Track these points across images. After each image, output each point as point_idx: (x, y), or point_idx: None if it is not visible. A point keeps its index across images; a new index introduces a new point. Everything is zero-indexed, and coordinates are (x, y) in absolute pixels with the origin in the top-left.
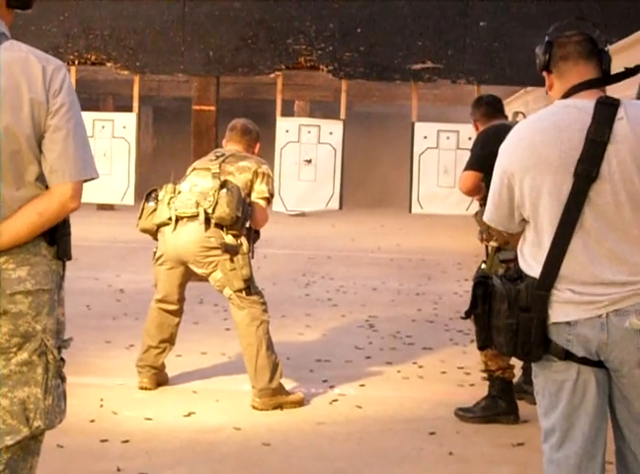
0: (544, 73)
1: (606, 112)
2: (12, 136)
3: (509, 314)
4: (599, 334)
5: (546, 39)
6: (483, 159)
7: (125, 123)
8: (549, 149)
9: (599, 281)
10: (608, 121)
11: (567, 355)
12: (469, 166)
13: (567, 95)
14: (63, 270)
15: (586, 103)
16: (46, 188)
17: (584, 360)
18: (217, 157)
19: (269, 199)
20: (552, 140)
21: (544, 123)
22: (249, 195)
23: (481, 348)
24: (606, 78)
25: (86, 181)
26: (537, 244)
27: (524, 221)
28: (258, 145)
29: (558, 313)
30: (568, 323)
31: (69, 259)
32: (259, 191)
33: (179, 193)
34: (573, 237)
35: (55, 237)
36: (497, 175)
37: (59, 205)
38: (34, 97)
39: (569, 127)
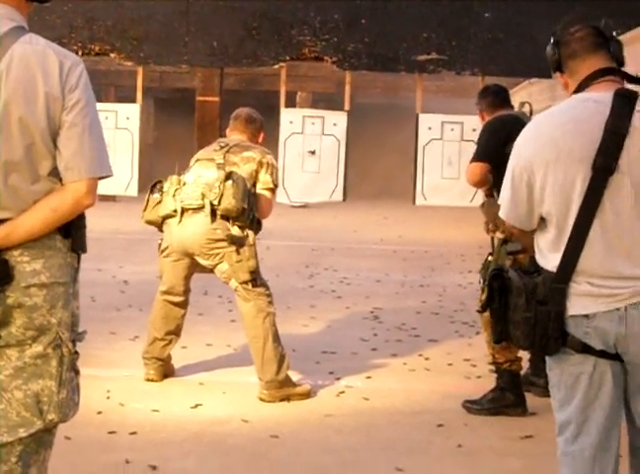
0: (558, 74)
1: (625, 103)
2: (25, 128)
3: (526, 308)
4: (617, 327)
5: (551, 40)
6: (490, 150)
7: (129, 114)
8: (570, 143)
9: (616, 275)
10: (627, 113)
11: (584, 348)
12: (476, 157)
13: (579, 89)
14: (78, 263)
15: (603, 95)
16: (60, 182)
17: (601, 353)
18: (221, 147)
19: (273, 190)
20: (572, 134)
21: (564, 118)
22: (254, 185)
23: (497, 341)
24: (614, 69)
25: (101, 178)
26: (555, 238)
27: (543, 218)
28: (262, 135)
29: (576, 306)
30: (586, 316)
31: (84, 252)
32: (264, 181)
33: (184, 184)
34: (591, 230)
35: (70, 230)
36: (515, 171)
37: (74, 202)
38: (49, 91)
39: (588, 120)
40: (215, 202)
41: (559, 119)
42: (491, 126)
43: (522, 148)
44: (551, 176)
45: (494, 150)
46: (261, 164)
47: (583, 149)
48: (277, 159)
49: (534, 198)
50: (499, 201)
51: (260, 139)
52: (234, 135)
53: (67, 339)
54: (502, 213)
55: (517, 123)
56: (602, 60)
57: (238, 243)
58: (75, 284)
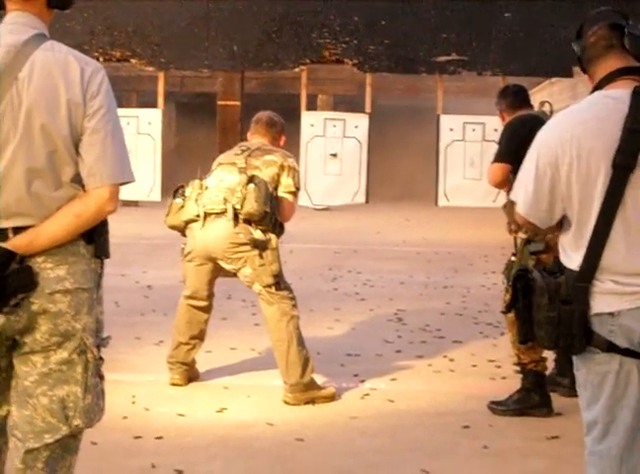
0: (587, 75)
1: None
2: (48, 136)
3: (549, 307)
4: None
5: (575, 45)
6: (511, 151)
7: (151, 120)
8: (591, 141)
9: (638, 272)
10: None
11: (609, 347)
12: (497, 158)
13: (597, 87)
14: (101, 268)
15: (621, 92)
16: (83, 188)
17: (626, 352)
18: (243, 151)
19: (295, 193)
20: (594, 131)
21: (585, 115)
22: (276, 189)
23: (523, 342)
24: (630, 67)
25: (123, 184)
26: (578, 236)
27: (563, 215)
28: (283, 138)
29: (600, 304)
30: (611, 314)
31: (107, 257)
32: (285, 185)
33: (206, 188)
34: (613, 228)
35: (93, 236)
36: (537, 166)
37: (96, 208)
38: (71, 98)
39: (609, 118)
40: (238, 206)
41: (580, 117)
42: (511, 127)
43: (544, 144)
44: (574, 173)
45: (515, 151)
46: (282, 167)
47: (604, 147)
48: (298, 162)
49: (557, 195)
50: (512, 197)
51: (281, 142)
52: (255, 139)
53: (92, 344)
54: (520, 209)
55: (537, 123)
56: (618, 60)
57: (261, 247)
58: (99, 290)
